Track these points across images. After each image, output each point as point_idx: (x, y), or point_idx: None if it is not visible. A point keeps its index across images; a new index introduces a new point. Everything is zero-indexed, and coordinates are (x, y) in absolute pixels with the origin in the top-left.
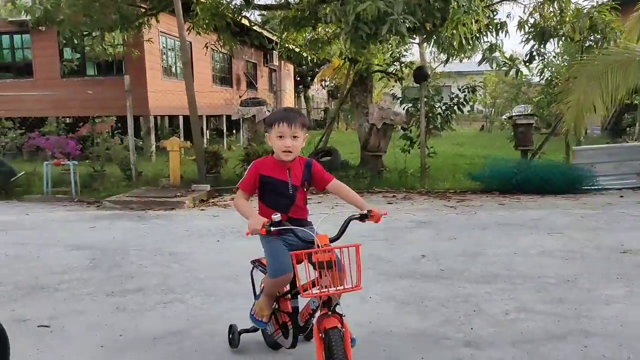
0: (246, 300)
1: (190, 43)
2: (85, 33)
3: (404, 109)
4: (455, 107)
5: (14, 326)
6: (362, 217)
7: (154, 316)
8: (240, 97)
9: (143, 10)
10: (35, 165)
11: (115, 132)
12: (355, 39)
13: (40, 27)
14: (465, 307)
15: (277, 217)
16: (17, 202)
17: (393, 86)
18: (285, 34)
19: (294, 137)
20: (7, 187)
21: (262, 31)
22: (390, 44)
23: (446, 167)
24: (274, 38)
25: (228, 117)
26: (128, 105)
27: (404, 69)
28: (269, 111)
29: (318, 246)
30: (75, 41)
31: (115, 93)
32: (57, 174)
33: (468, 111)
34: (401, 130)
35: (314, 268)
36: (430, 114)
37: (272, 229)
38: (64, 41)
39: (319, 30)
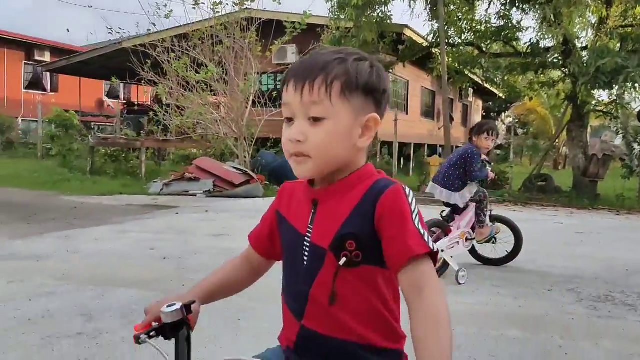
0: None
1: (408, 81)
2: None
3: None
4: None
5: None
6: None
7: None
8: (439, 129)
9: (395, 58)
10: None
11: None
12: (593, 86)
13: None
14: None
15: (167, 311)
16: None
17: (609, 123)
18: (507, 77)
19: (313, 118)
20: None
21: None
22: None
23: None
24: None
25: (429, 146)
26: (395, 133)
27: (619, 109)
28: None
29: None
30: None
31: None
32: None
33: None
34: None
35: None
36: None
37: (143, 339)
38: None
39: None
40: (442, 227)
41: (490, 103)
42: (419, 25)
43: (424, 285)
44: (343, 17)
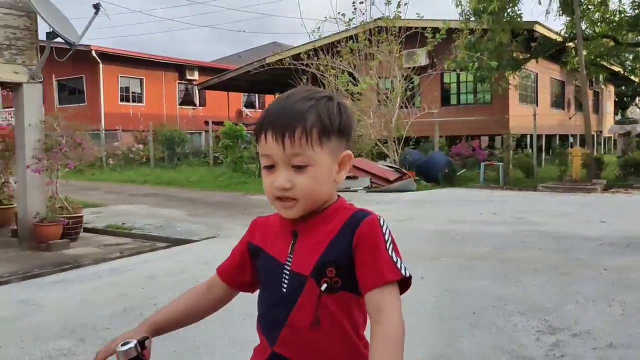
0: None
1: (537, 74)
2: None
3: None
4: None
5: None
6: None
7: None
8: (569, 118)
9: (528, 55)
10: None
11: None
12: None
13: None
14: None
15: (122, 350)
16: (459, 188)
17: None
18: None
19: (296, 166)
20: (452, 179)
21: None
22: None
23: None
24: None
25: (560, 136)
26: (534, 125)
27: None
28: None
29: None
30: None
31: (482, 117)
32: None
33: None
34: None
35: None
36: None
37: None
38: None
39: None
40: None
41: (623, 87)
42: (546, 21)
43: (383, 307)
44: (473, 18)
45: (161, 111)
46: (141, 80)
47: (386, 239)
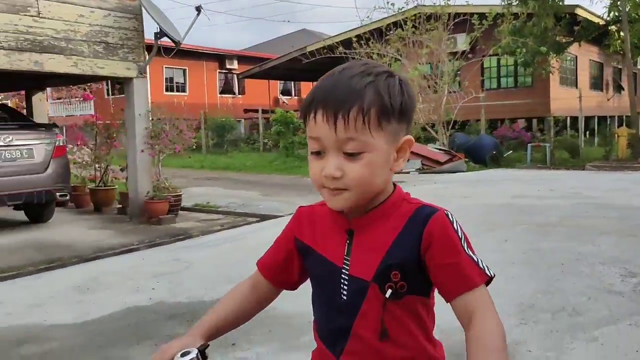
0: None
1: (576, 56)
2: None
3: None
4: None
5: None
6: None
7: None
8: (608, 100)
9: (571, 39)
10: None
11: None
12: None
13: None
14: None
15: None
16: (507, 169)
17: None
18: None
19: (348, 153)
20: (499, 160)
21: None
22: None
23: None
24: None
25: (599, 118)
26: (579, 108)
27: None
28: None
29: None
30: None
31: (524, 100)
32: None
33: None
34: None
35: None
36: None
37: None
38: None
39: None
40: None
41: None
42: (590, 5)
43: (473, 311)
44: (515, 3)
45: (203, 100)
46: (184, 70)
47: (460, 236)
